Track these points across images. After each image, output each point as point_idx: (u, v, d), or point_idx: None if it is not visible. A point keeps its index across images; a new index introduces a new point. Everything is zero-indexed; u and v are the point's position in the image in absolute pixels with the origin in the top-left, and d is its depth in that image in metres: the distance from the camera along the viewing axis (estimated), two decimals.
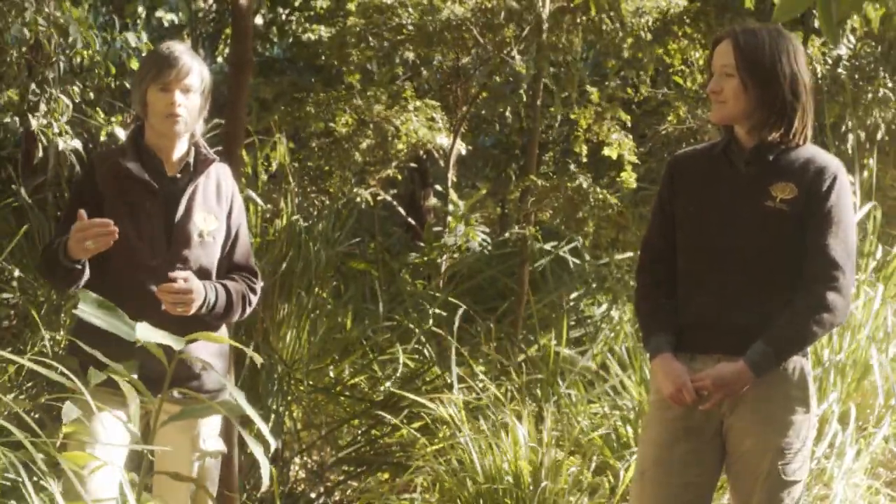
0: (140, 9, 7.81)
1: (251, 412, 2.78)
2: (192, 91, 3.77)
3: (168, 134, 3.78)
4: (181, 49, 3.81)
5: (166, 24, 8.78)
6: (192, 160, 3.84)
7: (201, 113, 3.85)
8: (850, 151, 7.08)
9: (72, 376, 2.84)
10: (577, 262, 7.55)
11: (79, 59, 6.29)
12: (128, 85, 6.95)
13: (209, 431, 3.87)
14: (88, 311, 2.75)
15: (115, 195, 3.79)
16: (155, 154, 3.81)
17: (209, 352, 3.78)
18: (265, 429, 2.81)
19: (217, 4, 9.26)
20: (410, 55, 7.51)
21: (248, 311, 3.93)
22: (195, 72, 3.77)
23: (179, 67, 3.73)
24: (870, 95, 7.36)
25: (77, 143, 5.95)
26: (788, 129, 3.57)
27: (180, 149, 3.84)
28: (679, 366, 3.58)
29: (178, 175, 3.82)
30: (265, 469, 2.80)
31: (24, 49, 6.01)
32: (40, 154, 6.13)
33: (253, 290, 3.92)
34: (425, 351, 6.84)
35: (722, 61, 3.59)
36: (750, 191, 3.59)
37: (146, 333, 2.72)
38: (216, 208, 3.85)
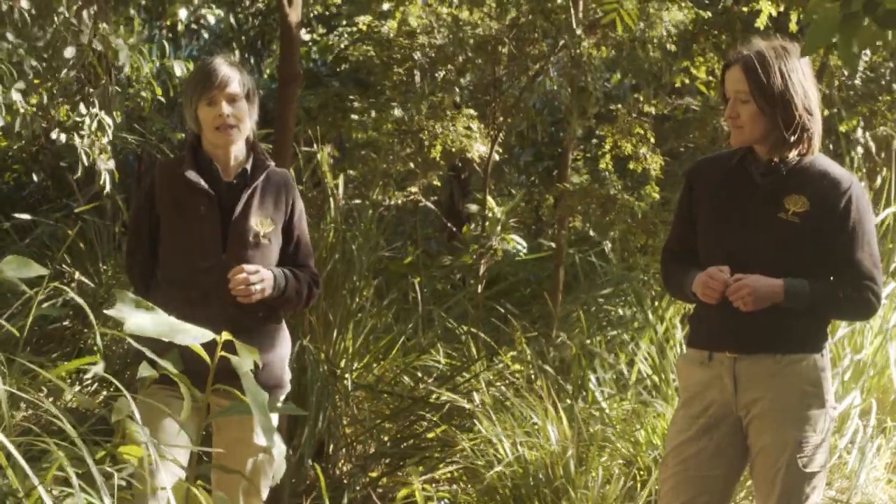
0: (182, 12, 7.88)
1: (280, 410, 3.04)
2: (238, 99, 3.89)
3: (223, 144, 3.91)
4: (219, 61, 3.93)
5: (213, 21, 8.82)
6: (249, 166, 3.96)
7: (251, 116, 3.96)
8: (861, 160, 7.22)
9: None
10: (605, 265, 7.66)
11: (126, 77, 6.37)
12: (180, 99, 7.13)
13: None
14: (124, 312, 2.84)
15: (171, 201, 3.92)
16: (212, 161, 3.94)
17: (271, 351, 3.94)
18: (272, 422, 3.05)
19: (261, 18, 9.41)
20: (451, 67, 7.63)
21: (311, 303, 4.08)
22: (235, 80, 3.89)
23: (220, 79, 3.86)
24: (885, 106, 7.44)
25: (111, 164, 5.98)
26: (808, 144, 3.63)
27: (237, 155, 3.96)
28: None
29: (235, 181, 3.94)
30: (280, 466, 3.11)
31: (77, 70, 6.06)
32: (67, 165, 6.16)
33: (316, 284, 4.05)
34: (464, 350, 6.91)
35: (735, 87, 3.62)
36: (765, 202, 3.65)
37: (189, 336, 2.88)
38: (273, 212, 3.95)
